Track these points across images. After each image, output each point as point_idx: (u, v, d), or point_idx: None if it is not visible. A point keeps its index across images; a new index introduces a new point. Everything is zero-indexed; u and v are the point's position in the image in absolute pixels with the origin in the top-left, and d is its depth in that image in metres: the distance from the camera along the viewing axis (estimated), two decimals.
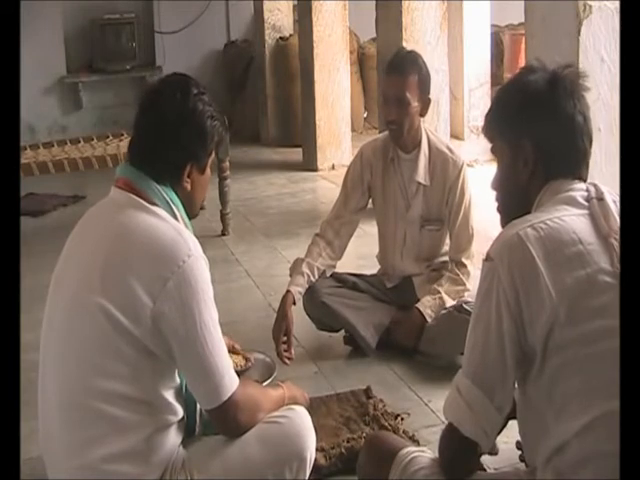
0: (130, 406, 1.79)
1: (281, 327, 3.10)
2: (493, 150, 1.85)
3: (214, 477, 1.89)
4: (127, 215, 1.86)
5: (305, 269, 3.21)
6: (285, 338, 3.10)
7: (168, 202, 1.90)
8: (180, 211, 1.93)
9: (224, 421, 1.89)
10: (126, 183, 1.91)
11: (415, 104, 3.14)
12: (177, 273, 1.78)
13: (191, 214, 1.99)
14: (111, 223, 1.88)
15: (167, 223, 1.86)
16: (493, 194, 1.87)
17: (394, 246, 3.36)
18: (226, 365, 1.86)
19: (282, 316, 3.12)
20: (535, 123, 1.75)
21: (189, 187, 1.94)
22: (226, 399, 1.84)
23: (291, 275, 3.25)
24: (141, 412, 1.80)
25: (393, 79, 3.15)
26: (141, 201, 1.87)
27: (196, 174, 1.95)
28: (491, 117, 1.84)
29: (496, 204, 1.87)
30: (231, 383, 1.85)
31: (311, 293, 3.25)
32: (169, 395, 1.86)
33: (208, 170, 2.00)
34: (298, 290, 3.18)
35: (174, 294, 1.78)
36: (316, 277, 3.25)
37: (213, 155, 1.99)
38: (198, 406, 1.95)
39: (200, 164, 1.95)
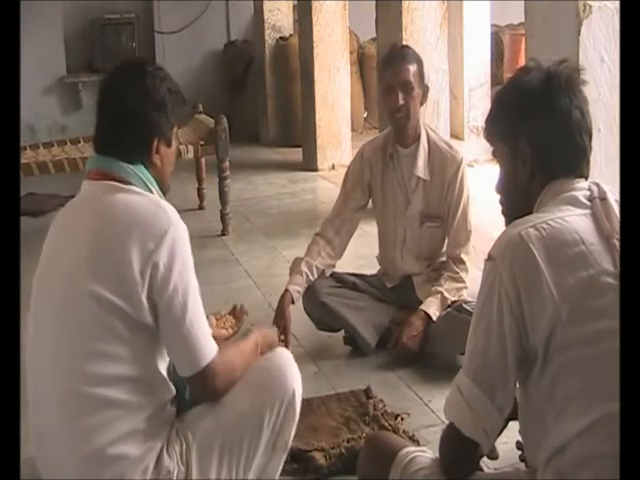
0: (130, 387, 1.82)
1: (279, 326, 3.11)
2: (494, 153, 1.85)
3: (210, 435, 1.92)
4: (104, 199, 1.90)
5: (304, 268, 3.22)
6: (282, 337, 3.10)
7: (142, 179, 1.94)
8: (154, 187, 1.97)
9: (203, 387, 1.93)
10: (98, 172, 1.95)
11: (418, 90, 3.18)
12: (160, 243, 1.82)
13: (164, 190, 2.04)
14: (89, 211, 1.91)
15: (144, 197, 1.90)
16: (497, 197, 1.87)
17: (394, 245, 3.36)
18: (205, 333, 1.90)
19: (280, 315, 3.13)
20: (531, 123, 1.75)
21: (159, 163, 1.99)
22: (204, 366, 1.88)
23: (290, 274, 3.25)
24: (141, 392, 1.84)
25: (396, 67, 3.19)
26: (115, 184, 1.91)
27: (164, 148, 2.00)
28: (490, 120, 1.85)
29: (500, 207, 1.87)
30: (210, 350, 1.89)
31: (311, 293, 3.25)
32: (164, 372, 1.91)
33: (174, 143, 2.06)
34: (296, 289, 3.19)
35: (159, 263, 1.82)
36: (315, 276, 3.25)
37: (176, 128, 2.05)
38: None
39: (166, 137, 2.00)
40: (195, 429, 1.93)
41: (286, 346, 3.09)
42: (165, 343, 1.90)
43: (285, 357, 2.08)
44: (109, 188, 1.91)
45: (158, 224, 1.84)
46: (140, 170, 1.94)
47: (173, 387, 1.93)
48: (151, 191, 1.94)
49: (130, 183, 1.91)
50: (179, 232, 1.87)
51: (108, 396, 1.79)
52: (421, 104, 3.24)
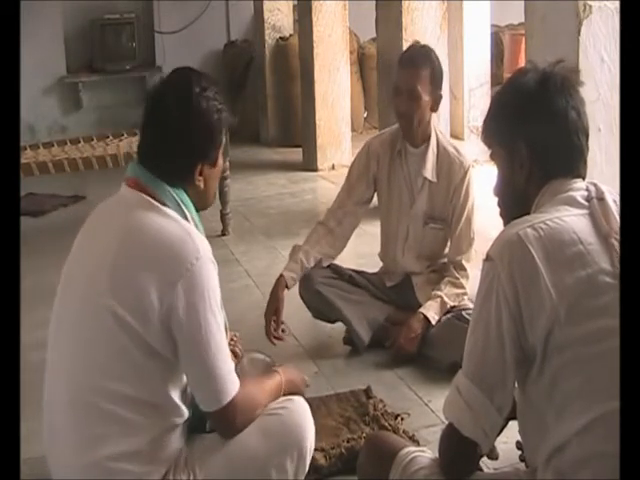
0: (137, 408, 1.80)
1: (271, 308, 3.14)
2: (492, 156, 1.85)
3: (216, 472, 1.90)
4: (137, 215, 1.86)
5: (301, 256, 3.24)
6: (275, 318, 3.13)
7: (178, 203, 1.90)
8: (191, 212, 1.92)
9: (224, 423, 1.91)
10: (137, 183, 1.91)
11: (426, 98, 3.15)
12: (185, 276, 1.79)
13: (205, 207, 2.01)
14: (121, 223, 1.88)
15: (177, 223, 1.86)
16: (495, 200, 1.87)
17: (396, 240, 3.35)
18: (228, 369, 1.86)
19: (274, 298, 3.16)
20: (528, 124, 1.75)
21: (202, 184, 1.95)
22: (227, 403, 1.85)
23: (288, 260, 3.28)
24: (148, 414, 1.81)
25: (406, 72, 3.16)
26: (151, 201, 1.87)
27: (207, 170, 1.95)
28: (487, 123, 1.85)
29: (498, 209, 1.87)
30: (232, 387, 1.86)
31: (307, 281, 3.26)
32: (176, 397, 1.86)
33: (220, 160, 1.99)
34: (291, 275, 3.20)
35: (181, 296, 1.78)
36: (311, 264, 3.25)
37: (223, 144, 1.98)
38: None
39: (211, 160, 1.95)
40: (203, 463, 1.90)
41: (277, 327, 3.12)
42: (187, 377, 1.87)
43: (303, 409, 2.03)
44: (144, 204, 1.87)
45: (185, 255, 1.80)
46: (178, 193, 1.90)
47: (185, 411, 1.89)
48: (186, 216, 1.90)
49: (166, 204, 1.88)
50: (206, 266, 1.82)
51: (114, 411, 1.78)
52: (432, 110, 3.20)
